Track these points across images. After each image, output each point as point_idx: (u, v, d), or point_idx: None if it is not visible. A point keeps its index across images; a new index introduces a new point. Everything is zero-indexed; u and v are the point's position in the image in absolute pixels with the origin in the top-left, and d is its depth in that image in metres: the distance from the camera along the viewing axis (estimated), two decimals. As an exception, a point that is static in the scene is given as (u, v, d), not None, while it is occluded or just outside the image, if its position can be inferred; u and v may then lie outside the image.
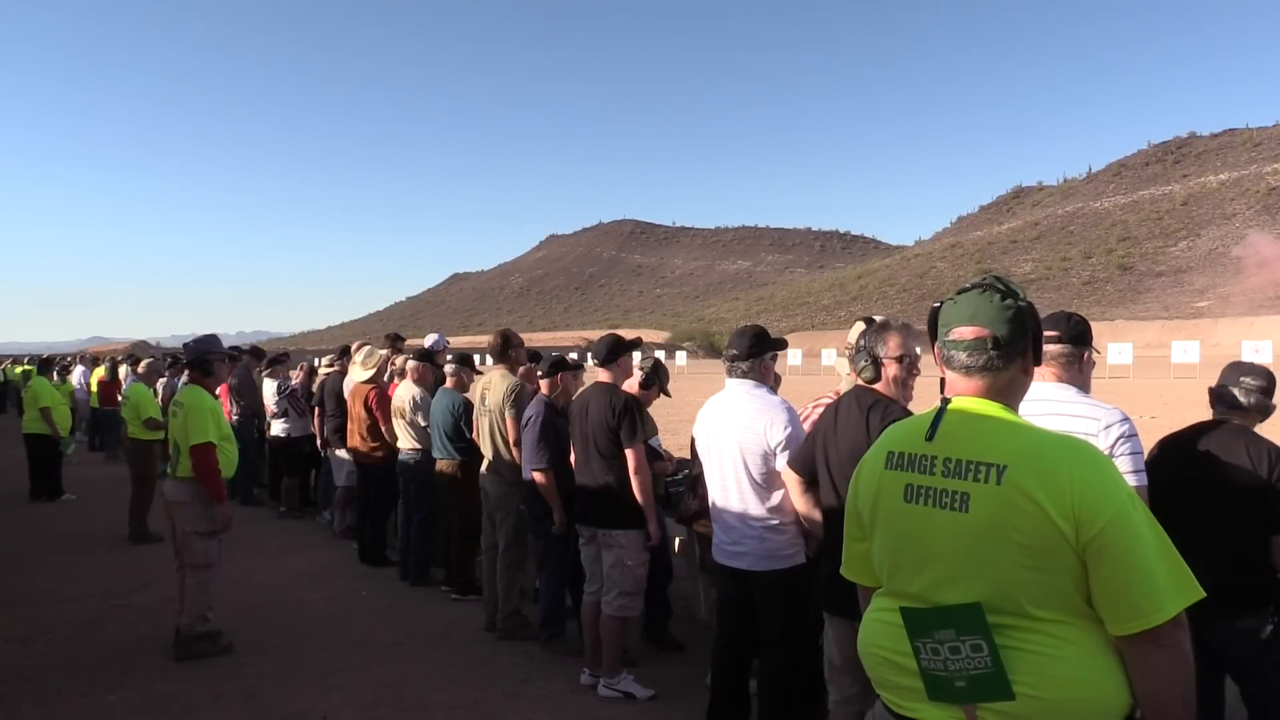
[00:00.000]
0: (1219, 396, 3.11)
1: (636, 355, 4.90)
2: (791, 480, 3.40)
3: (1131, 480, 2.51)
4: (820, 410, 4.12)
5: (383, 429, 7.04)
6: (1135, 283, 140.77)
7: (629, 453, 4.32)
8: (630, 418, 4.33)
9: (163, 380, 11.47)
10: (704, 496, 4.48)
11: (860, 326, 3.47)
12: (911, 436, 1.79)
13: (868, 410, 3.06)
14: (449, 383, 6.29)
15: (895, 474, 1.78)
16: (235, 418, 9.64)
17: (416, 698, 4.48)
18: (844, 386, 3.82)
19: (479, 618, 5.64)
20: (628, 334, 5.06)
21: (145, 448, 8.87)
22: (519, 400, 5.34)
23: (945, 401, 1.76)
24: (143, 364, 11.30)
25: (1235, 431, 2.99)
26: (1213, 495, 2.90)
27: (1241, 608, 2.82)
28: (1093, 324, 3.09)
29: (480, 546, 5.78)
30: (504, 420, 5.38)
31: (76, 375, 17.71)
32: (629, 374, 4.74)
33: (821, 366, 45.16)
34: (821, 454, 3.20)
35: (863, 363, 3.15)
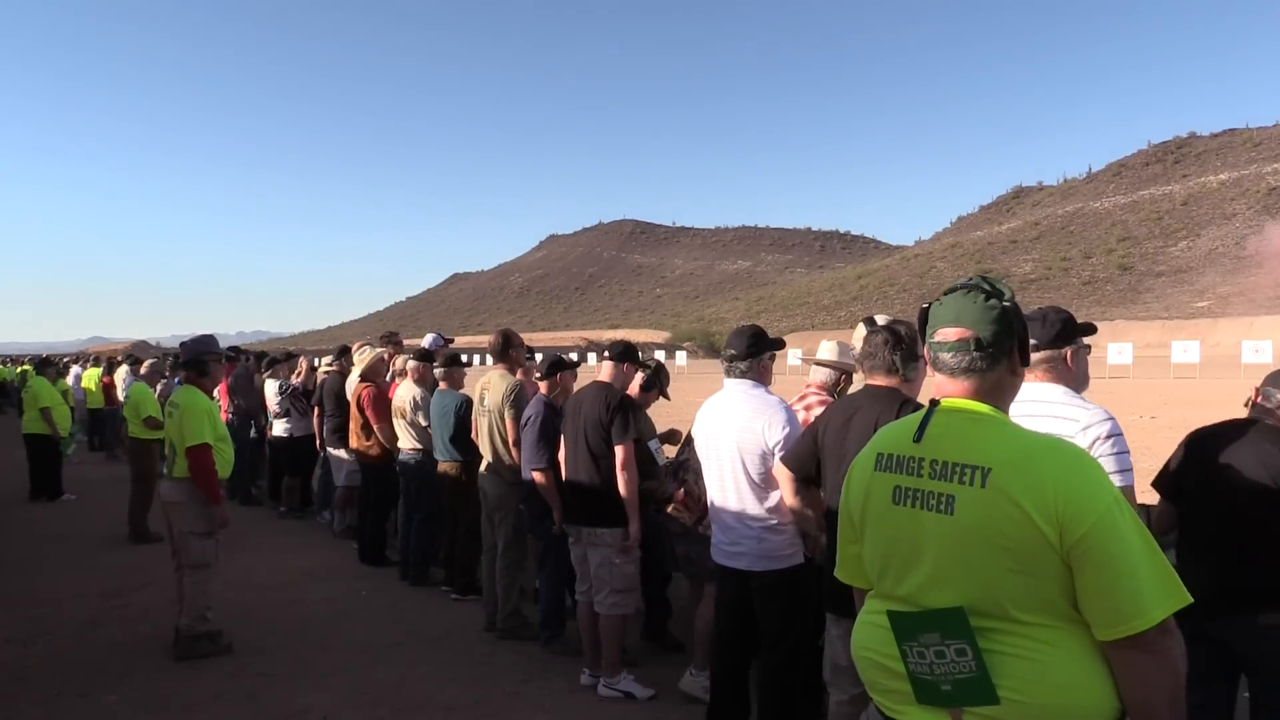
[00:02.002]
0: (1264, 396, 3.08)
1: (639, 377, 4.92)
2: (784, 477, 3.36)
3: (1117, 481, 2.49)
4: (808, 409, 4.11)
5: (375, 427, 7.04)
6: (1135, 283, 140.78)
7: (618, 449, 4.30)
8: (622, 414, 4.33)
9: (164, 380, 11.47)
10: (683, 481, 4.50)
11: (862, 329, 3.45)
12: (900, 438, 1.79)
13: (899, 408, 2.94)
14: (442, 385, 6.30)
15: (884, 476, 1.78)
16: (229, 417, 9.65)
17: (416, 698, 4.48)
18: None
19: (479, 618, 5.64)
20: (629, 334, 5.07)
21: (146, 447, 8.86)
22: (519, 400, 5.34)
23: (934, 403, 1.76)
24: (145, 364, 11.30)
25: (1264, 432, 2.94)
26: (1234, 494, 2.86)
27: (1264, 605, 2.79)
28: (1095, 324, 3.07)
29: (481, 546, 5.78)
30: (503, 420, 5.38)
31: (71, 375, 17.71)
32: (628, 384, 4.74)
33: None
34: (833, 454, 3.11)
35: (895, 360, 3.08)
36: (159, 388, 11.06)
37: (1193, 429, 3.17)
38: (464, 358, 6.74)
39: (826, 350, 4.31)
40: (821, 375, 4.31)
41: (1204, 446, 3.02)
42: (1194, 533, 3.00)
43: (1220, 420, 3.13)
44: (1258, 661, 2.87)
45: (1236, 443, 2.93)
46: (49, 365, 12.92)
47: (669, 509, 4.62)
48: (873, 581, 1.83)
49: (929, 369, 1.81)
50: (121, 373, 14.71)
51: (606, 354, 4.69)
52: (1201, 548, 2.94)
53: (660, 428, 5.42)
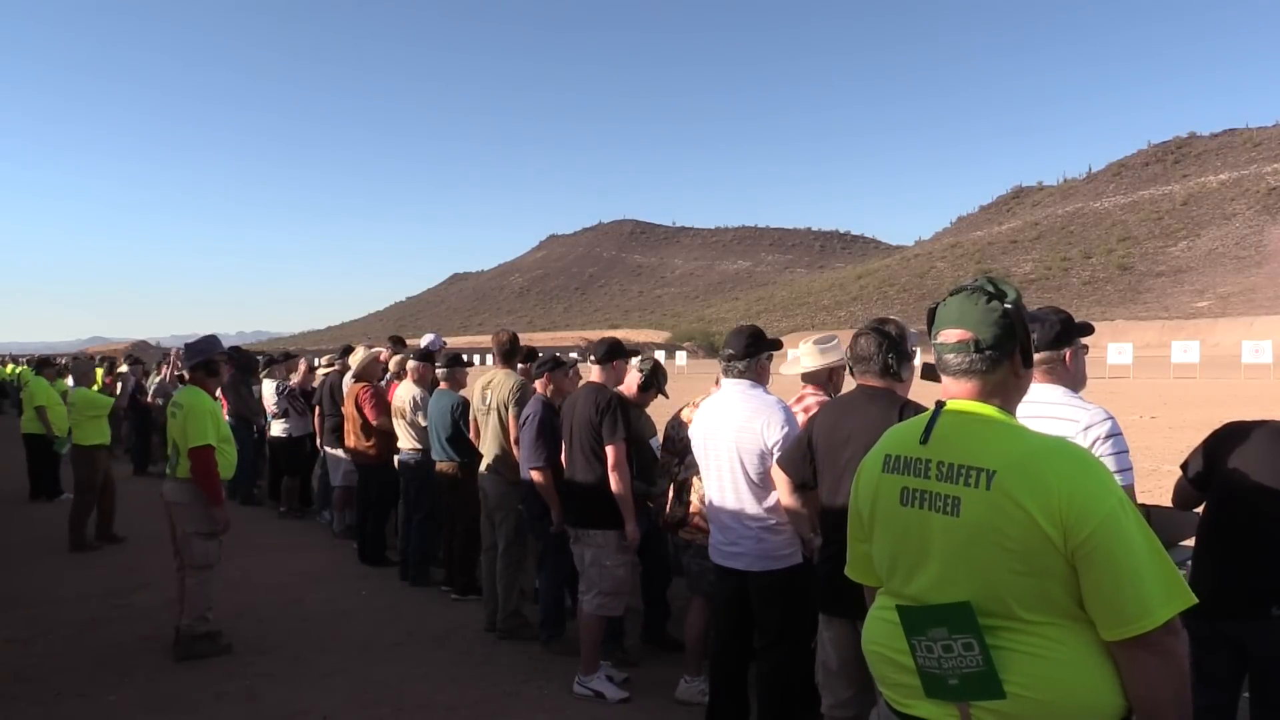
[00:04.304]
0: None
1: (635, 360, 4.92)
2: (780, 480, 3.37)
3: (1117, 480, 2.48)
4: (806, 410, 4.09)
5: (375, 424, 7.03)
6: (1135, 283, 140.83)
7: (609, 449, 4.30)
8: (613, 414, 4.33)
9: (132, 380, 11.69)
10: (690, 503, 4.44)
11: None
12: (908, 439, 1.81)
13: (900, 410, 2.94)
14: (443, 385, 6.30)
15: (892, 477, 1.80)
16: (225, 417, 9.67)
17: (417, 698, 4.48)
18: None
19: (479, 618, 5.64)
20: (629, 334, 5.08)
21: (88, 454, 8.45)
22: (523, 400, 5.33)
23: (940, 404, 1.77)
24: (64, 360, 11.30)
25: None
26: (1262, 493, 2.78)
27: None
28: (1093, 324, 3.06)
29: (481, 546, 5.78)
30: (506, 419, 5.38)
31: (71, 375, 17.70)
32: (621, 380, 4.74)
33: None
34: (826, 456, 3.11)
35: (890, 361, 3.08)
36: (152, 384, 11.07)
37: (1226, 422, 3.09)
38: (464, 358, 6.74)
39: (806, 355, 4.21)
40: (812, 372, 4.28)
41: (1237, 442, 2.94)
42: (1217, 528, 2.95)
43: (1255, 419, 3.04)
44: (1270, 663, 2.84)
45: (1270, 443, 2.86)
46: (48, 365, 12.91)
47: (682, 533, 4.49)
48: (882, 580, 1.85)
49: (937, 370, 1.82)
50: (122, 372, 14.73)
51: (591, 358, 4.69)
52: (1223, 544, 2.90)
53: (660, 426, 5.42)
